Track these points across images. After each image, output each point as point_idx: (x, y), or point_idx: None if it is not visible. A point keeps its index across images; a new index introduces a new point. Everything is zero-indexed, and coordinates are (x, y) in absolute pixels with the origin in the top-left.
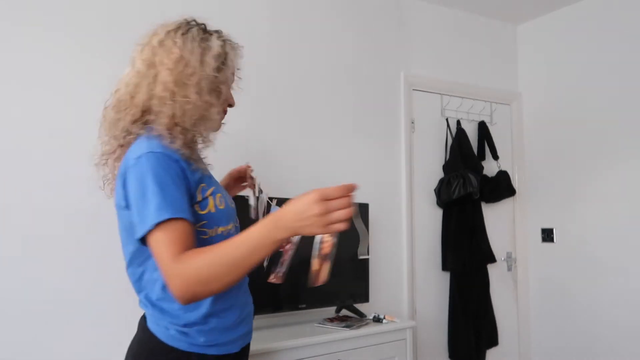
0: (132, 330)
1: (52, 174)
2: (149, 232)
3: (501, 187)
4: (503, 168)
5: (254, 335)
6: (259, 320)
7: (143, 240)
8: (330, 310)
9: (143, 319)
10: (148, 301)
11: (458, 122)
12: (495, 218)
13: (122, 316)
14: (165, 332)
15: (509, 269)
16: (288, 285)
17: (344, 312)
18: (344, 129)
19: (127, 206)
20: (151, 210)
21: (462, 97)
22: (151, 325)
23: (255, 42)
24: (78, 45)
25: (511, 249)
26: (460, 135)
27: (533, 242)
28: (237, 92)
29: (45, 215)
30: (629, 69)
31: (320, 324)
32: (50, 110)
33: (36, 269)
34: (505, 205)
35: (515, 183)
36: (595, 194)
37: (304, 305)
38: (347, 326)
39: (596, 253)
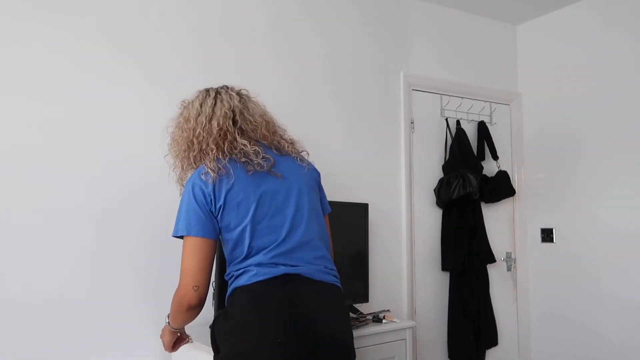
0: (134, 330)
1: (55, 174)
2: None
3: (501, 187)
4: (503, 168)
5: None
6: None
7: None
8: None
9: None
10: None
11: (458, 122)
12: (495, 218)
13: (125, 315)
14: None
15: (509, 269)
16: None
17: None
18: (343, 129)
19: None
20: None
21: (462, 97)
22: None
23: (254, 42)
24: (77, 43)
25: (511, 249)
26: (459, 135)
27: (533, 242)
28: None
29: (50, 217)
30: (629, 68)
31: None
32: (50, 110)
33: (38, 269)
34: (505, 205)
35: (515, 183)
36: (595, 193)
37: None
38: None
39: (596, 253)
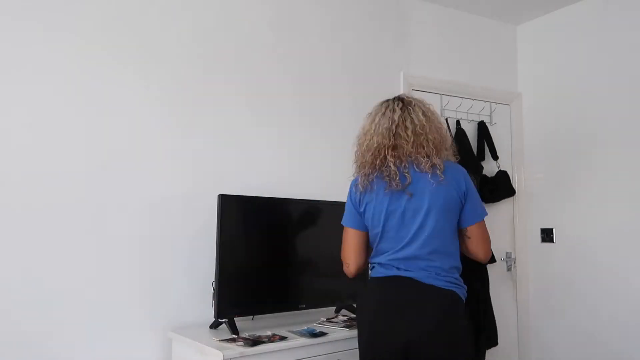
0: (135, 330)
1: (55, 173)
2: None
3: (501, 187)
4: (503, 168)
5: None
6: (258, 321)
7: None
8: (330, 310)
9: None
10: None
11: (458, 122)
12: (495, 218)
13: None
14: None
15: (509, 269)
16: (288, 285)
17: (344, 312)
18: (344, 129)
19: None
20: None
21: (462, 97)
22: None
23: (255, 43)
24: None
25: (511, 249)
26: (459, 136)
27: (532, 242)
28: (237, 93)
29: (50, 217)
30: (628, 68)
31: (320, 324)
32: (50, 109)
33: (38, 269)
34: (505, 205)
35: (515, 183)
36: (595, 194)
37: (303, 306)
38: (346, 326)
39: (596, 253)
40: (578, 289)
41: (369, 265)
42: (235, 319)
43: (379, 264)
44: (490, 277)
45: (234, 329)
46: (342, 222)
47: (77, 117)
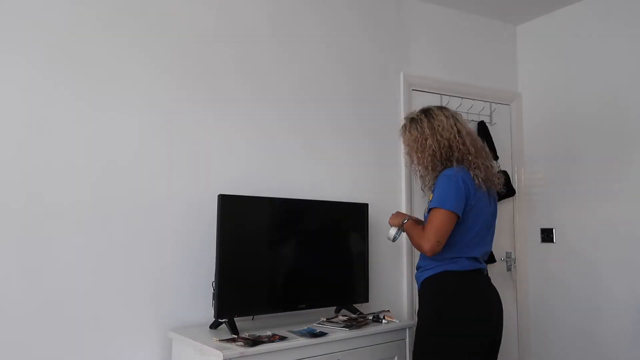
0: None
1: (55, 172)
2: None
3: None
4: (503, 168)
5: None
6: (258, 321)
7: None
8: (330, 310)
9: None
10: None
11: None
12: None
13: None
14: None
15: (509, 269)
16: (288, 285)
17: (344, 312)
18: (343, 129)
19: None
20: None
21: (462, 97)
22: None
23: (254, 42)
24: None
25: (511, 249)
26: None
27: (532, 242)
28: (237, 94)
29: (51, 216)
30: (628, 68)
31: (319, 324)
32: (50, 109)
33: (36, 269)
34: (505, 205)
35: (515, 183)
36: (595, 194)
37: (303, 305)
38: (346, 326)
39: (596, 253)
40: (578, 289)
41: (454, 257)
42: (235, 319)
43: (473, 257)
44: (490, 277)
45: (234, 329)
46: (447, 207)
47: (78, 117)
